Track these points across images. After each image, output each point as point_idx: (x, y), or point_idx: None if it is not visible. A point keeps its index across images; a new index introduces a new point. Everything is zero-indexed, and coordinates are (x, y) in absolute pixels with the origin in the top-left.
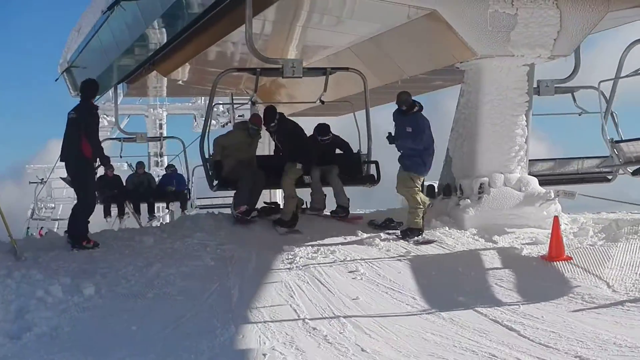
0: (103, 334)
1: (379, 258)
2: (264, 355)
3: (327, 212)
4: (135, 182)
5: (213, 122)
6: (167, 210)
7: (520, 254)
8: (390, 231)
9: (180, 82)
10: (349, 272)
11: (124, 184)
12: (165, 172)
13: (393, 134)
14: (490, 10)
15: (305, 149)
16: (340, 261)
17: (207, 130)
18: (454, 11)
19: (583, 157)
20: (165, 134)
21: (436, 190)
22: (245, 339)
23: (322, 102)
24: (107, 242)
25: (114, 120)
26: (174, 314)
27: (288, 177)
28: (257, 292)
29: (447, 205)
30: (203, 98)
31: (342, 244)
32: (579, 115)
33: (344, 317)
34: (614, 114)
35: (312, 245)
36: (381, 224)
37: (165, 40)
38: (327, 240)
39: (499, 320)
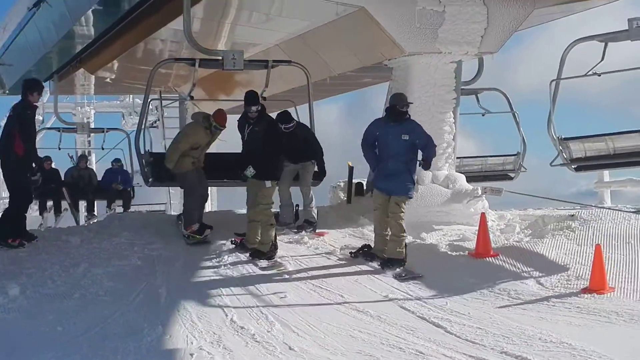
0: (28, 335)
1: (306, 256)
2: (191, 355)
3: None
4: (74, 176)
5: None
6: (107, 209)
7: (447, 250)
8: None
9: (108, 80)
10: (277, 270)
11: (62, 178)
12: (110, 167)
13: (366, 149)
14: (418, 7)
15: (277, 159)
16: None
17: (143, 125)
18: (382, 8)
19: (487, 156)
20: None
21: (365, 187)
22: (172, 339)
23: (264, 98)
24: (33, 241)
25: (40, 118)
26: (100, 314)
27: (264, 204)
28: (184, 291)
29: None
30: (131, 96)
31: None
32: (483, 115)
33: (272, 315)
34: (516, 114)
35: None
36: (359, 252)
37: (92, 38)
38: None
39: (426, 317)
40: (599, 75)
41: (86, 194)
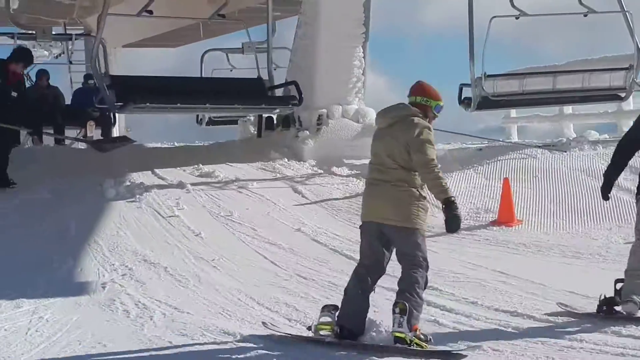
0: None
1: (218, 189)
2: (103, 287)
3: None
4: (35, 98)
5: (45, 52)
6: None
7: (358, 184)
8: None
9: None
10: (187, 204)
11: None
12: (81, 87)
13: None
14: None
15: None
16: (179, 191)
17: (98, 43)
18: None
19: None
20: None
21: (275, 122)
22: (83, 271)
23: (223, 15)
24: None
25: None
26: (9, 247)
27: None
28: (95, 224)
29: (286, 137)
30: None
31: (181, 175)
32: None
33: (186, 249)
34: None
35: (151, 176)
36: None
37: None
38: (166, 172)
39: (338, 250)
40: (517, 17)
41: (53, 119)
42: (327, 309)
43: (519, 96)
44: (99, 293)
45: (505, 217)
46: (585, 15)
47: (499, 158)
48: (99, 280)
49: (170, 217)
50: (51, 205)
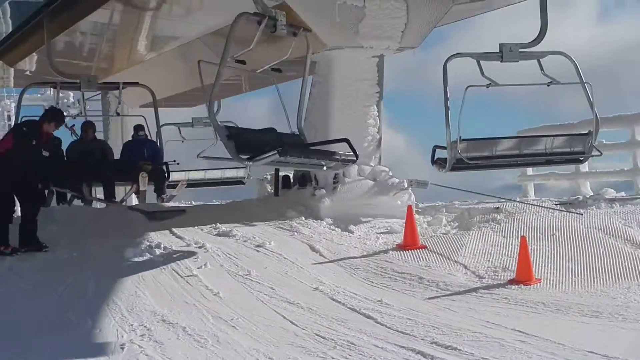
0: None
1: (236, 248)
2: (122, 348)
3: None
4: (81, 152)
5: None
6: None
7: (375, 243)
8: None
9: (27, 73)
10: (205, 263)
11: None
12: (131, 139)
13: None
14: (338, 2)
15: None
16: (196, 250)
17: (214, 92)
18: (303, 2)
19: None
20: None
21: (292, 180)
22: (102, 332)
23: (279, 70)
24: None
25: None
26: (28, 308)
27: None
28: (113, 284)
29: (303, 196)
30: (52, 90)
31: (199, 234)
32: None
33: (205, 309)
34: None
35: (169, 235)
36: None
37: (10, 30)
38: (184, 231)
39: (357, 309)
40: (487, 86)
41: (102, 175)
42: None
43: (490, 160)
44: (118, 354)
45: (523, 276)
46: (548, 85)
47: (516, 216)
48: (118, 341)
49: (188, 276)
50: (70, 265)
